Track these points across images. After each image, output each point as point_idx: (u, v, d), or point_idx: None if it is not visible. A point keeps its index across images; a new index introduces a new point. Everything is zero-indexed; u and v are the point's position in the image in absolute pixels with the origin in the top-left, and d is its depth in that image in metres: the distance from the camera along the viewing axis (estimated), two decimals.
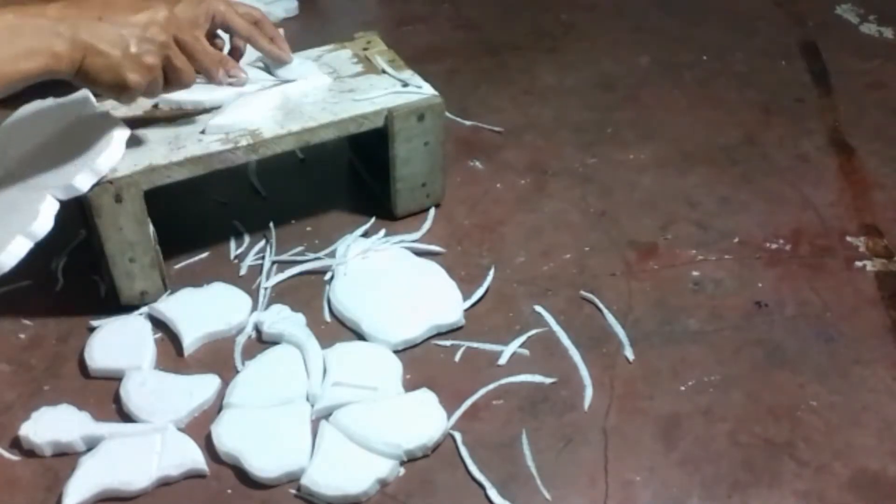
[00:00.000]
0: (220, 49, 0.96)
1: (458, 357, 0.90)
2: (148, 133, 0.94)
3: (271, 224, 1.04)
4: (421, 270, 0.99)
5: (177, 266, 1.00)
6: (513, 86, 1.33)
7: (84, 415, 0.82)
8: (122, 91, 0.81)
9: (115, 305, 0.94)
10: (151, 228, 0.91)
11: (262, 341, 0.92)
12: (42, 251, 0.87)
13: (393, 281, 0.97)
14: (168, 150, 0.91)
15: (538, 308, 0.95)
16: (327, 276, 0.99)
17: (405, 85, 1.02)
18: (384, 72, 1.04)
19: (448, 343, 0.91)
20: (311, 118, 0.97)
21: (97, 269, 0.98)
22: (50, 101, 0.96)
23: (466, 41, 1.45)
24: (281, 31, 1.01)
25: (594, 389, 0.86)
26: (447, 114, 1.25)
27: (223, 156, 0.92)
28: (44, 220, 0.82)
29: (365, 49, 1.09)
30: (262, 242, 1.03)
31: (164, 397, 0.84)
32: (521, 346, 0.91)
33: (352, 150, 1.16)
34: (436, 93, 1.02)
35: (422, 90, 1.02)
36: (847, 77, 1.35)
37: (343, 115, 0.97)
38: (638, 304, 0.96)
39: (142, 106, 0.97)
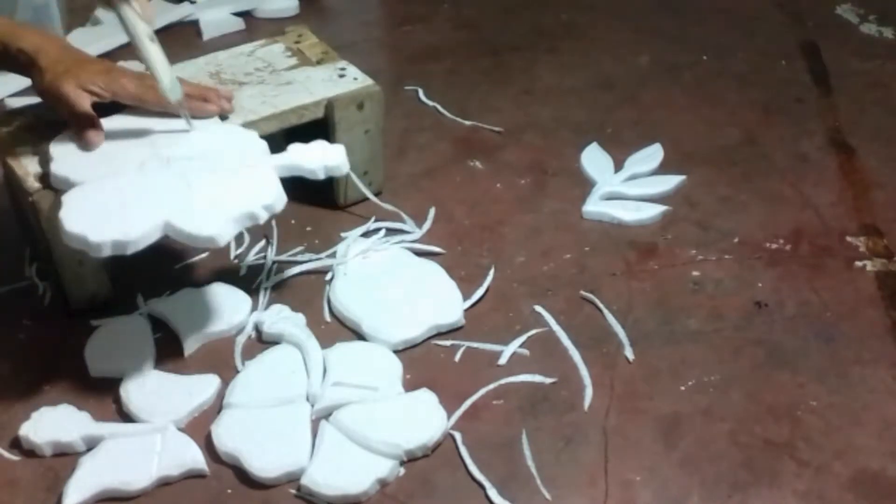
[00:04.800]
0: None
1: (458, 357, 0.90)
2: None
3: (273, 223, 1.04)
4: (421, 270, 0.99)
5: (177, 266, 1.00)
6: (512, 86, 1.33)
7: (84, 415, 0.82)
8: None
9: (62, 311, 0.94)
10: None
11: (262, 341, 0.92)
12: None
13: (393, 281, 0.97)
14: None
15: (538, 308, 0.95)
16: (327, 276, 0.99)
17: (342, 75, 1.02)
18: (318, 63, 1.04)
19: (448, 343, 0.91)
20: (251, 112, 0.96)
21: (43, 276, 0.97)
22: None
23: (466, 41, 1.45)
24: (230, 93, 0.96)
25: (594, 389, 0.86)
26: (447, 113, 1.26)
27: None
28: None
29: (297, 42, 1.09)
30: (262, 242, 1.03)
31: (164, 397, 0.84)
32: (521, 346, 0.91)
33: (287, 143, 1.14)
34: (373, 81, 1.02)
35: (358, 80, 1.02)
36: (847, 77, 1.35)
37: (283, 107, 0.97)
38: (638, 304, 0.96)
39: None
